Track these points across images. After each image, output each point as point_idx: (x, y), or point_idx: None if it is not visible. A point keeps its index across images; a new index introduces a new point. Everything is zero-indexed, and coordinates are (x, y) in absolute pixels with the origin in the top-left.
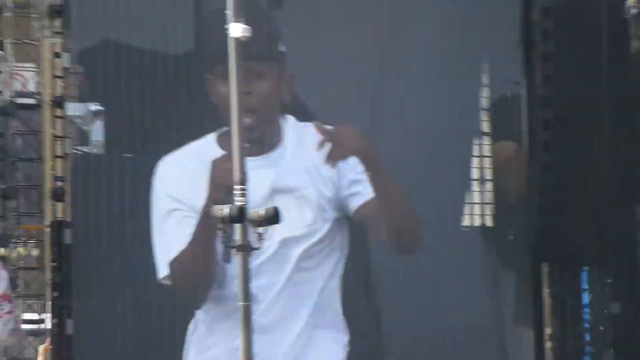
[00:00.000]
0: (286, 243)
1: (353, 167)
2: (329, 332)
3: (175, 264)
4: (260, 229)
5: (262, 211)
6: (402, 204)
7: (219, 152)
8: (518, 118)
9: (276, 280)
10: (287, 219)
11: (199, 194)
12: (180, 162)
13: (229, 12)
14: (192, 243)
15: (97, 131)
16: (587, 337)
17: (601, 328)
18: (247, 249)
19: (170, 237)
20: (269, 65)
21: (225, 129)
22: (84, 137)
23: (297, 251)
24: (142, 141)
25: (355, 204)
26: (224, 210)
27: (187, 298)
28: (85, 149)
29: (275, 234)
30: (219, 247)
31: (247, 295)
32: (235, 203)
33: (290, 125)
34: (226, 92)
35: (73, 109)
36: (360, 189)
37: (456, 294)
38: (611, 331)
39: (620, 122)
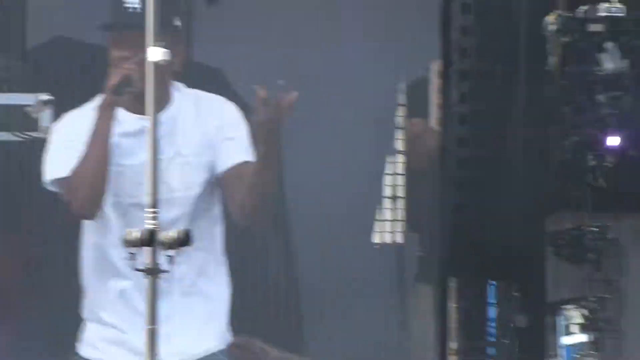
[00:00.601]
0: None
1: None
2: None
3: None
4: (171, 252)
5: (173, 233)
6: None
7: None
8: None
9: None
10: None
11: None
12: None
13: (148, 35)
14: (90, 139)
15: (45, 118)
16: (493, 350)
17: (506, 341)
18: (156, 272)
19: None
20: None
21: None
22: (33, 124)
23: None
24: None
25: (226, 164)
26: (134, 233)
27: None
28: (34, 134)
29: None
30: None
31: (153, 319)
32: (146, 226)
33: (180, 91)
34: (116, 55)
35: (23, 98)
36: (235, 148)
37: (366, 310)
38: (517, 344)
39: (534, 137)
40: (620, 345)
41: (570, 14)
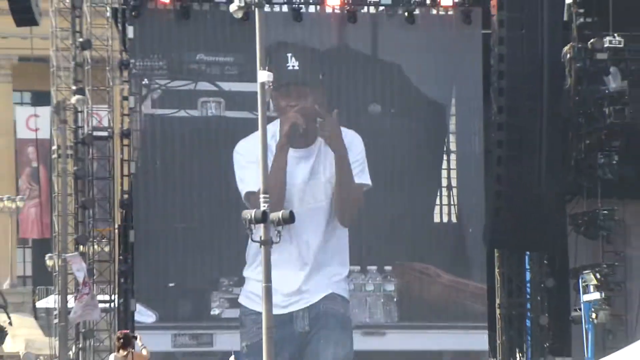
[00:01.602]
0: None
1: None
2: None
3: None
4: (279, 228)
5: (280, 214)
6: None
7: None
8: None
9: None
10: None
11: None
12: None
13: (258, 64)
14: (271, 170)
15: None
16: (528, 305)
17: (538, 298)
18: (269, 243)
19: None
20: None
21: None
22: None
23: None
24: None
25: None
26: (251, 214)
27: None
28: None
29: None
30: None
31: (269, 278)
32: (260, 208)
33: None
34: (282, 104)
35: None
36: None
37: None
38: (546, 300)
39: (555, 141)
40: (625, 301)
41: (582, 45)
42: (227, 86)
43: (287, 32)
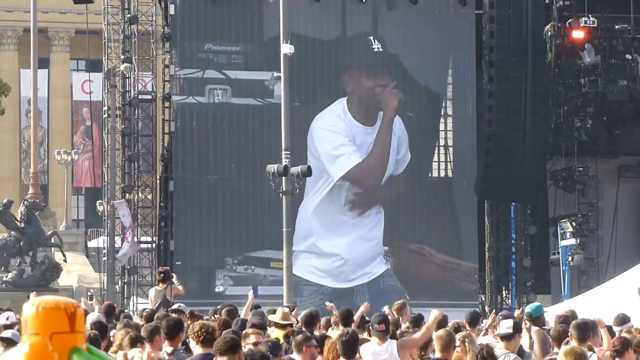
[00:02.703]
0: None
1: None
2: None
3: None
4: (299, 180)
5: (299, 168)
6: None
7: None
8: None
9: None
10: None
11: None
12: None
13: (282, 36)
14: (372, 151)
15: (277, 89)
16: (513, 249)
17: (522, 243)
18: (289, 194)
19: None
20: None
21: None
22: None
23: None
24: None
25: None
26: (274, 167)
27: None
28: (270, 100)
29: None
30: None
31: (289, 222)
32: (282, 163)
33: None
34: (369, 84)
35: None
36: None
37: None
38: (529, 245)
39: (538, 107)
40: (598, 246)
41: (561, 25)
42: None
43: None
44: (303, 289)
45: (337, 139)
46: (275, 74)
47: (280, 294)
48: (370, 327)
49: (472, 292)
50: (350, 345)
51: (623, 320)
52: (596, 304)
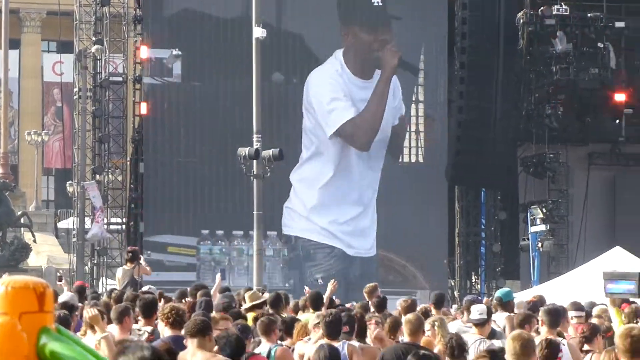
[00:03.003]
0: None
1: None
2: None
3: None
4: (270, 164)
5: (271, 151)
6: None
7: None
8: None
9: None
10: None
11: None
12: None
13: (253, 19)
14: (368, 106)
15: (176, 67)
16: (483, 234)
17: (492, 228)
18: (260, 177)
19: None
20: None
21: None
22: (167, 72)
23: None
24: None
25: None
26: (245, 151)
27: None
28: (168, 79)
29: None
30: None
31: (260, 207)
32: (254, 146)
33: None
34: (366, 39)
35: (161, 53)
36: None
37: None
38: (499, 230)
39: (509, 93)
40: (567, 233)
41: (533, 12)
42: None
43: None
44: (315, 253)
45: (331, 93)
46: (174, 52)
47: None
48: None
49: (442, 277)
50: (334, 325)
51: (577, 307)
52: (565, 290)
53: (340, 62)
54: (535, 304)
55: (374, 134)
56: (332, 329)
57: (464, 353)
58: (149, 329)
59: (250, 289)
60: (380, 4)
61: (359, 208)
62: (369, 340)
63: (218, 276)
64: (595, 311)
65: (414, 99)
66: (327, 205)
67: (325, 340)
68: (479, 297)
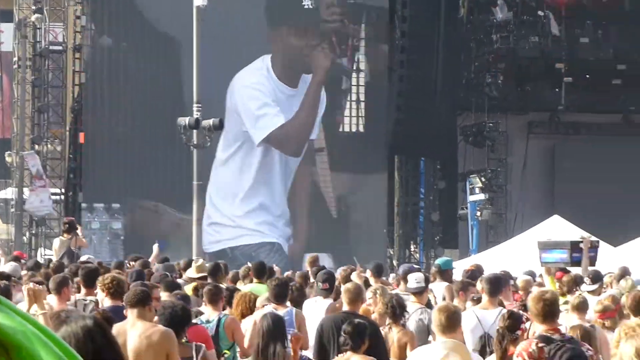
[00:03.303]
0: None
1: None
2: None
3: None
4: (209, 133)
5: (211, 121)
6: None
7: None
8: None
9: None
10: None
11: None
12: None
13: None
14: (299, 112)
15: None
16: (422, 204)
17: (431, 198)
18: (200, 147)
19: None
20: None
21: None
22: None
23: None
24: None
25: None
26: (186, 120)
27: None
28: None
29: None
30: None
31: (200, 175)
32: (194, 116)
33: None
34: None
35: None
36: None
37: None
38: (437, 200)
39: (449, 62)
40: (506, 202)
41: None
42: None
43: None
44: (259, 252)
45: (261, 98)
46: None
47: None
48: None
49: (381, 246)
50: (281, 289)
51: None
52: (503, 258)
53: (268, 66)
54: (474, 273)
55: (306, 140)
56: (279, 294)
57: (404, 312)
58: (94, 298)
59: (191, 260)
60: (312, 6)
61: (283, 207)
62: None
63: (155, 246)
64: (519, 284)
65: (354, 67)
66: (254, 210)
67: (272, 306)
68: (414, 266)
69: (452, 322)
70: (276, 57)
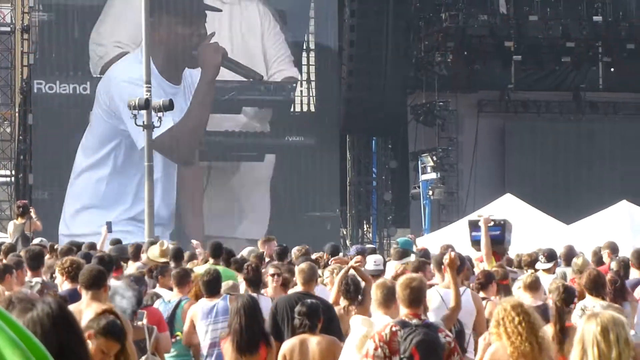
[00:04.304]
0: None
1: None
2: None
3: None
4: (160, 114)
5: (161, 101)
6: None
7: None
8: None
9: None
10: None
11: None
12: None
13: None
14: (189, 113)
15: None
16: (374, 183)
17: (383, 177)
18: (151, 127)
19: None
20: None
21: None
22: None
23: None
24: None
25: None
26: (135, 101)
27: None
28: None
29: None
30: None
31: (151, 157)
32: (144, 96)
33: None
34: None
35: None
36: None
37: None
38: (390, 179)
39: (399, 41)
40: (457, 181)
41: None
42: None
43: None
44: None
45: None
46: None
47: None
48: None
49: (334, 227)
50: (213, 284)
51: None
52: (456, 237)
53: (150, 58)
54: (427, 252)
55: (197, 144)
56: (211, 287)
57: (358, 291)
58: (39, 279)
59: (153, 241)
60: None
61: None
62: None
63: (103, 229)
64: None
65: (304, 47)
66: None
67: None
68: (365, 247)
69: (387, 296)
70: (158, 47)
